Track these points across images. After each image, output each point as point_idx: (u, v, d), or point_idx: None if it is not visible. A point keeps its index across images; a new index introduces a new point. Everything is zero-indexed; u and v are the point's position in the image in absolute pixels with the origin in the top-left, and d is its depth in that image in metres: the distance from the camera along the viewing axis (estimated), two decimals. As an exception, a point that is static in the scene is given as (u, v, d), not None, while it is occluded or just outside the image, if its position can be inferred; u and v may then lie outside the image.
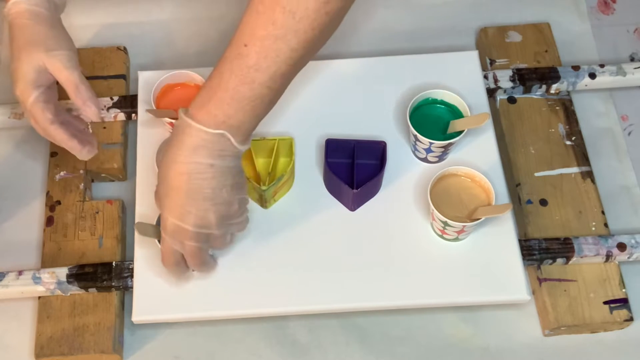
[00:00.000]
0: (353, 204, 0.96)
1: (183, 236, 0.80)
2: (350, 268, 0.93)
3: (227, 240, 0.85)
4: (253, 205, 0.97)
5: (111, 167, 1.05)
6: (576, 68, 1.10)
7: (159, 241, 0.86)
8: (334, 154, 0.97)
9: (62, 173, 1.04)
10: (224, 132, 0.76)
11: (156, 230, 0.88)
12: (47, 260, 0.98)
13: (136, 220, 0.93)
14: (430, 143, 0.95)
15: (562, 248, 0.97)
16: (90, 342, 0.93)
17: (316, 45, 0.75)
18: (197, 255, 0.83)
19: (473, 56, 1.07)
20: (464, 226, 0.90)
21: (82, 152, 0.90)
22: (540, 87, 1.08)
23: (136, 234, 0.90)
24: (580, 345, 0.97)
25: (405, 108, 0.99)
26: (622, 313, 0.95)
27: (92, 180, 1.07)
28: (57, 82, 0.88)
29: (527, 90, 1.09)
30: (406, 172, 0.99)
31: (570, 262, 0.97)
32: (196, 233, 0.80)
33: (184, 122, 0.77)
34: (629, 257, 0.97)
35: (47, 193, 1.03)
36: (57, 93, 0.90)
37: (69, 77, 0.86)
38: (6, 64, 1.17)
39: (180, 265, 0.85)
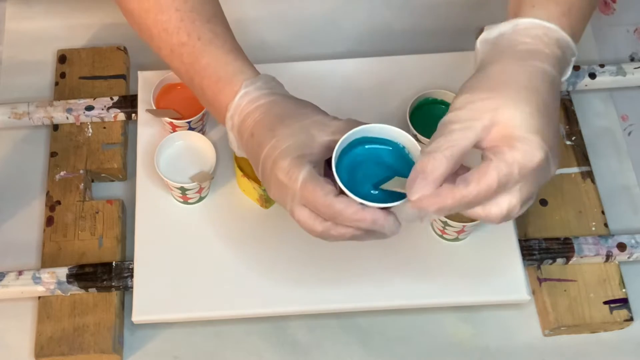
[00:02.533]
0: (353, 204, 0.96)
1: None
2: (351, 268, 0.93)
3: None
4: (253, 205, 0.97)
5: (111, 167, 1.05)
6: (576, 68, 1.10)
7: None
8: (334, 154, 0.97)
9: (62, 173, 1.04)
10: None
11: None
12: (47, 260, 0.98)
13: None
14: (430, 143, 0.95)
15: (562, 248, 0.97)
16: (90, 342, 0.93)
17: None
18: None
19: (473, 56, 1.06)
20: (464, 226, 0.90)
21: (395, 227, 0.75)
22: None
23: None
24: (580, 345, 0.97)
25: (405, 108, 0.99)
26: (622, 313, 0.95)
27: (92, 180, 1.07)
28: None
29: (527, 90, 1.08)
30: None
31: (570, 262, 0.97)
32: None
33: None
34: (629, 257, 0.97)
35: (47, 193, 1.03)
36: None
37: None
38: (6, 64, 1.17)
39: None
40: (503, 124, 0.70)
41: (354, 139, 0.77)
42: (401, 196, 0.73)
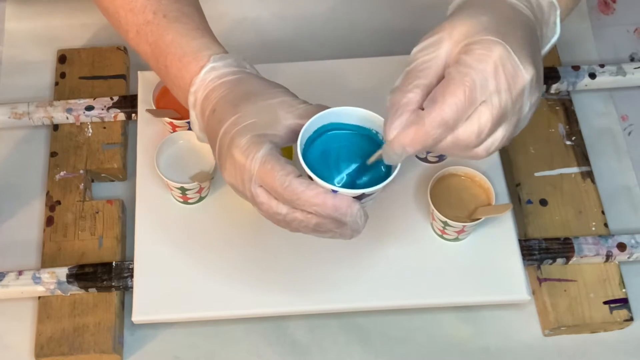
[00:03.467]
0: (353, 204, 0.96)
1: None
2: (350, 268, 0.93)
3: None
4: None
5: (111, 167, 1.05)
6: (576, 68, 1.10)
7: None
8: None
9: (62, 173, 1.04)
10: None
11: None
12: (47, 260, 0.98)
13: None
14: (430, 143, 0.95)
15: (562, 248, 0.97)
16: (90, 342, 0.93)
17: None
18: None
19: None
20: (464, 226, 0.90)
21: (359, 217, 0.72)
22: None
23: None
24: (580, 345, 0.97)
25: (405, 108, 0.98)
26: (622, 313, 0.95)
27: (92, 180, 1.07)
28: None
29: (527, 90, 1.08)
30: (406, 172, 0.99)
31: (570, 262, 0.97)
32: None
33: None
34: (629, 257, 0.97)
35: (47, 193, 1.03)
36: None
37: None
38: (6, 64, 1.17)
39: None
40: (460, 37, 0.67)
41: (323, 125, 0.74)
42: (376, 183, 0.71)
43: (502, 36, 0.66)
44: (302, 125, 0.73)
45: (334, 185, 0.70)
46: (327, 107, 0.75)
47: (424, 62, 0.68)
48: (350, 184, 0.73)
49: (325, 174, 0.72)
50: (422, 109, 0.67)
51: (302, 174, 0.71)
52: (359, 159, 0.75)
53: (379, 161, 0.73)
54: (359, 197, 0.71)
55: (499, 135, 0.68)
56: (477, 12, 0.68)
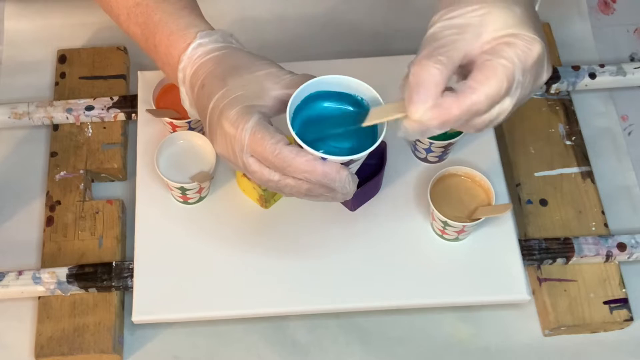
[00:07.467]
0: (353, 204, 0.96)
1: None
2: (351, 268, 0.93)
3: None
4: (253, 205, 0.97)
5: (111, 167, 1.05)
6: (576, 68, 1.10)
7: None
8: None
9: (62, 173, 1.04)
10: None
11: None
12: (47, 260, 0.98)
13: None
14: (430, 143, 0.95)
15: (562, 248, 0.97)
16: (90, 342, 0.93)
17: None
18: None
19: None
20: (464, 226, 0.90)
21: (347, 183, 0.73)
22: (540, 87, 1.08)
23: None
24: (580, 345, 0.97)
25: (405, 108, 0.98)
26: (622, 313, 0.95)
27: (92, 180, 1.07)
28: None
29: (527, 90, 1.08)
30: (406, 172, 0.99)
31: (570, 262, 0.97)
32: None
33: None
34: (629, 257, 0.97)
35: (47, 193, 1.03)
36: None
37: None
38: (6, 64, 1.17)
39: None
40: (496, 26, 0.67)
41: (311, 93, 0.75)
42: (362, 149, 0.71)
43: (539, 33, 0.67)
44: (289, 95, 0.74)
45: (323, 152, 0.72)
46: (313, 77, 0.76)
47: (452, 41, 0.67)
48: (338, 149, 0.74)
49: (314, 142, 0.73)
50: (447, 88, 0.67)
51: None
52: (346, 125, 0.75)
53: (366, 126, 0.73)
54: (346, 163, 0.73)
55: (498, 118, 0.69)
56: (505, 2, 0.68)
